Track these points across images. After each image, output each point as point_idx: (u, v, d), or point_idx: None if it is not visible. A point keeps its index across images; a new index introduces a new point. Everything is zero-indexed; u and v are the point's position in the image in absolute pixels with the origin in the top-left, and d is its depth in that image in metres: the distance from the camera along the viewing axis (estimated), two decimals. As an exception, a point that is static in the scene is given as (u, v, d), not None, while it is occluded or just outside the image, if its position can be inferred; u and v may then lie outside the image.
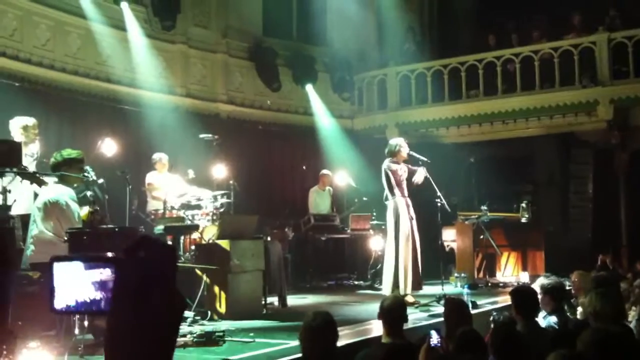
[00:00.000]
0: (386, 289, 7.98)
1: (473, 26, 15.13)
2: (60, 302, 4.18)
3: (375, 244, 10.37)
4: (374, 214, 10.68)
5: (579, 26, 12.92)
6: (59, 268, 4.24)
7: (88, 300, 4.11)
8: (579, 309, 5.81)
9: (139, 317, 1.88)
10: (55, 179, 6.03)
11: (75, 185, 6.16)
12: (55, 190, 5.95)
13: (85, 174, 6.23)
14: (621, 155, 12.11)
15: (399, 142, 8.32)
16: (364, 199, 10.96)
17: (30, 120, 6.77)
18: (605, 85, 11.90)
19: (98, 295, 4.03)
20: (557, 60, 12.34)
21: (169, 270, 1.99)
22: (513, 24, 13.79)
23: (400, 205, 8.01)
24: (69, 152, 6.14)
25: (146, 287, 1.91)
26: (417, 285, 8.05)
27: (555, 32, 13.02)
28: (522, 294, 5.10)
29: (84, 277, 4.10)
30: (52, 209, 5.83)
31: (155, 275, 1.94)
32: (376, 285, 9.95)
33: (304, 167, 12.24)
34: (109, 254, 4.54)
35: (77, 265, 4.19)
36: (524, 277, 9.79)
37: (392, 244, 8.04)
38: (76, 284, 4.13)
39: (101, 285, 4.08)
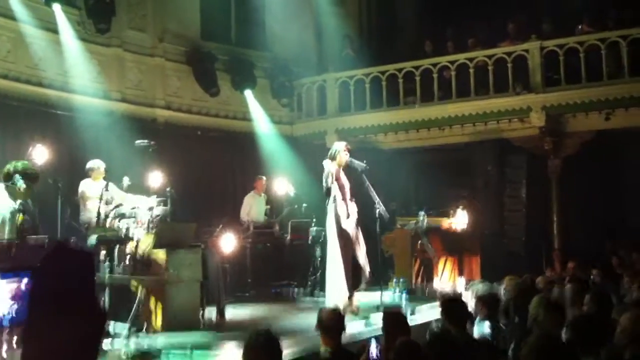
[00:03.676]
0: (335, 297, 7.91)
1: (412, 33, 15.34)
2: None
3: (316, 251, 10.36)
4: (314, 220, 10.66)
5: (513, 34, 13.24)
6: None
7: (5, 314, 3.93)
8: None
9: (58, 328, 1.80)
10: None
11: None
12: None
13: (13, 182, 6.07)
14: (554, 160, 12.45)
15: (338, 147, 8.36)
16: (304, 205, 10.94)
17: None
18: (538, 92, 12.22)
19: (15, 306, 3.85)
20: (491, 68, 12.61)
21: (88, 278, 1.92)
22: (450, 32, 14.03)
23: (340, 210, 8.02)
24: (24, 166, 6.05)
25: (65, 296, 1.83)
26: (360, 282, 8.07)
27: (490, 40, 13.30)
28: (450, 303, 5.18)
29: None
30: None
31: (74, 284, 1.85)
32: (316, 292, 9.94)
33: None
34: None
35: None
36: (460, 283, 9.95)
37: (334, 249, 8.04)
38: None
39: (20, 296, 3.91)
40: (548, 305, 4.55)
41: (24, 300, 3.18)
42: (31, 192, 6.25)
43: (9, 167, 6.09)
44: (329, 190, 7.99)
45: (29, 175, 6.12)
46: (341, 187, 8.09)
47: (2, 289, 3.10)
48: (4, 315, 3.63)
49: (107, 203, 7.87)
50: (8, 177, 6.05)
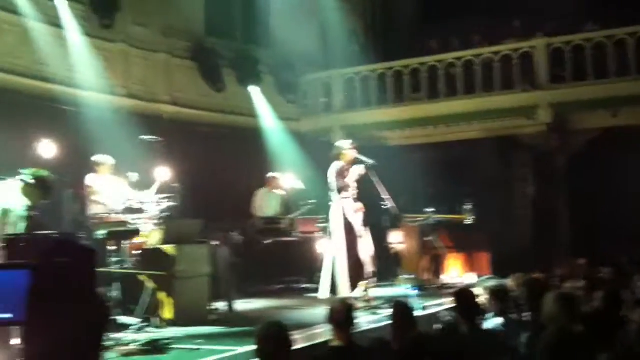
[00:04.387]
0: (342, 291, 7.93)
1: (416, 30, 15.29)
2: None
3: (323, 246, 10.31)
4: (322, 216, 10.62)
5: (519, 31, 13.20)
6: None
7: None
8: None
9: (58, 324, 1.74)
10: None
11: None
12: None
13: (22, 178, 6.06)
14: (560, 158, 12.40)
15: (343, 145, 8.38)
16: (312, 201, 10.91)
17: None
18: (544, 89, 12.18)
19: (11, 304, 3.75)
20: (497, 65, 12.57)
21: (89, 275, 1.86)
22: (455, 29, 13.98)
23: (347, 205, 8.06)
24: (46, 175, 6.11)
25: (64, 293, 1.77)
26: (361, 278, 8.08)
27: (495, 37, 13.26)
28: (462, 296, 5.15)
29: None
30: None
31: (74, 281, 1.80)
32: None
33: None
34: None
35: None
36: (472, 278, 9.88)
37: (339, 243, 8.07)
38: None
39: (15, 293, 3.79)
40: (562, 301, 4.50)
41: (21, 298, 3.07)
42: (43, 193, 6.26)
43: (34, 173, 6.08)
44: (336, 186, 8.03)
45: (45, 187, 6.11)
46: (345, 186, 8.10)
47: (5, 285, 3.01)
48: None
49: (116, 197, 7.83)
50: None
